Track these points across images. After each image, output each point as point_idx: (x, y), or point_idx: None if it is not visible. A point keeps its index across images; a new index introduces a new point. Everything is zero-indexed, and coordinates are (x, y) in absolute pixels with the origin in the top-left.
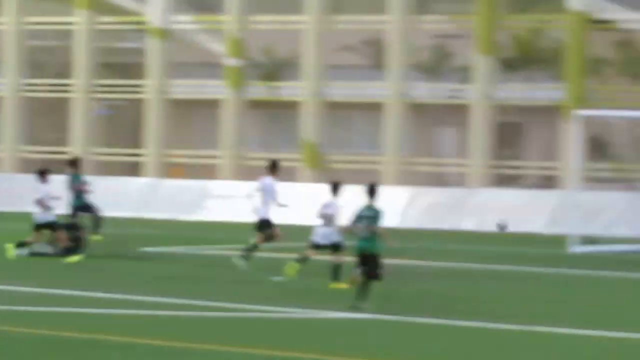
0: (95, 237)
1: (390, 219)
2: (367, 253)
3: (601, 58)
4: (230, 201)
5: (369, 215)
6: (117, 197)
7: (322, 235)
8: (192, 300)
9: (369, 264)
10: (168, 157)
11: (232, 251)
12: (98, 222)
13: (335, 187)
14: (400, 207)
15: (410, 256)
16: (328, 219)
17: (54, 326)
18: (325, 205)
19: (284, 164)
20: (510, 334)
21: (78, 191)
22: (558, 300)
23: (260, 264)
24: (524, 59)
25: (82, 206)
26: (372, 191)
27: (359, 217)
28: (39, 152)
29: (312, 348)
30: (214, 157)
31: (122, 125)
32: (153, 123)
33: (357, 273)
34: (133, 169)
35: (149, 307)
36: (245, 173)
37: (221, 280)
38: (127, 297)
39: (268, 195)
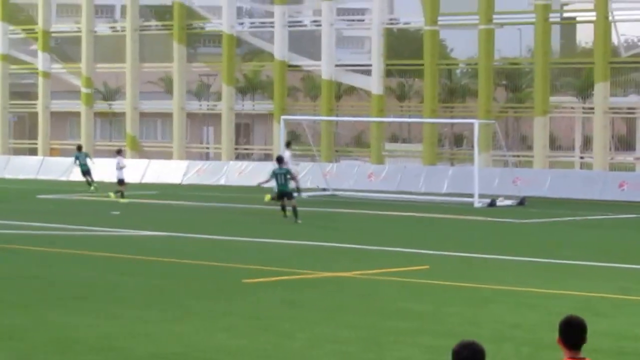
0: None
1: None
2: (285, 192)
3: (295, 86)
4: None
5: (283, 173)
6: (22, 167)
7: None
8: (64, 225)
9: (286, 197)
10: (50, 145)
11: (86, 197)
12: None
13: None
14: (181, 173)
15: None
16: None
17: None
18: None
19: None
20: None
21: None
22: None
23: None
24: (251, 87)
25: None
26: (280, 160)
27: (276, 174)
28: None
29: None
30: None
31: (25, 127)
32: (41, 126)
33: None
34: (33, 151)
35: (32, 228)
36: (94, 153)
37: (82, 213)
38: (24, 223)
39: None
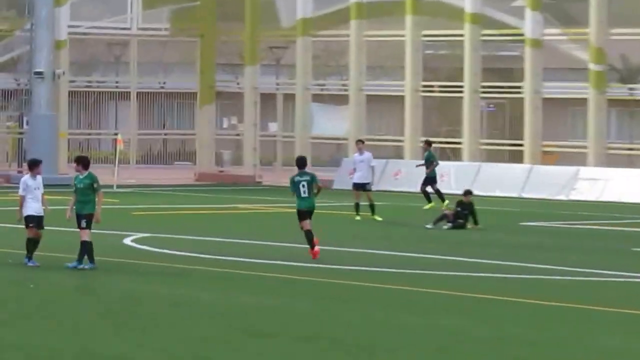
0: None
1: None
2: None
3: None
4: (597, 184)
5: None
6: (499, 180)
7: None
8: (557, 266)
9: None
10: (541, 147)
11: (599, 226)
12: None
13: None
14: None
15: None
16: None
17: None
18: None
19: None
20: None
21: None
22: None
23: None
24: None
25: None
26: None
27: None
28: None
29: None
30: (582, 147)
31: (503, 120)
32: (528, 118)
33: None
34: (513, 156)
35: (515, 271)
36: (608, 160)
37: (586, 250)
38: (500, 262)
39: None
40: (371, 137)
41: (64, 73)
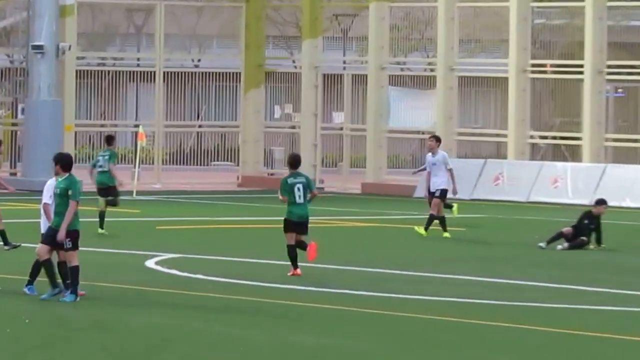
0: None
1: None
2: None
3: None
4: None
5: None
6: (629, 186)
7: None
8: None
9: None
10: None
11: None
12: None
13: None
14: None
15: None
16: None
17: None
18: None
19: None
20: None
21: None
22: None
23: None
24: None
25: None
26: None
27: None
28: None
29: None
30: None
31: (634, 109)
32: None
33: None
34: None
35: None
36: None
37: None
38: (630, 292)
39: None
40: (464, 130)
41: (70, 48)
